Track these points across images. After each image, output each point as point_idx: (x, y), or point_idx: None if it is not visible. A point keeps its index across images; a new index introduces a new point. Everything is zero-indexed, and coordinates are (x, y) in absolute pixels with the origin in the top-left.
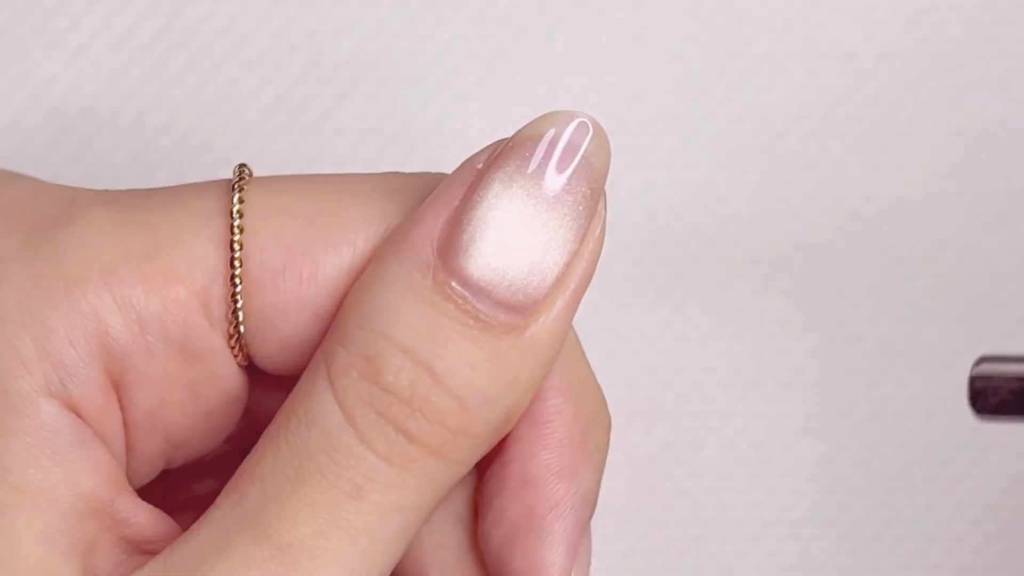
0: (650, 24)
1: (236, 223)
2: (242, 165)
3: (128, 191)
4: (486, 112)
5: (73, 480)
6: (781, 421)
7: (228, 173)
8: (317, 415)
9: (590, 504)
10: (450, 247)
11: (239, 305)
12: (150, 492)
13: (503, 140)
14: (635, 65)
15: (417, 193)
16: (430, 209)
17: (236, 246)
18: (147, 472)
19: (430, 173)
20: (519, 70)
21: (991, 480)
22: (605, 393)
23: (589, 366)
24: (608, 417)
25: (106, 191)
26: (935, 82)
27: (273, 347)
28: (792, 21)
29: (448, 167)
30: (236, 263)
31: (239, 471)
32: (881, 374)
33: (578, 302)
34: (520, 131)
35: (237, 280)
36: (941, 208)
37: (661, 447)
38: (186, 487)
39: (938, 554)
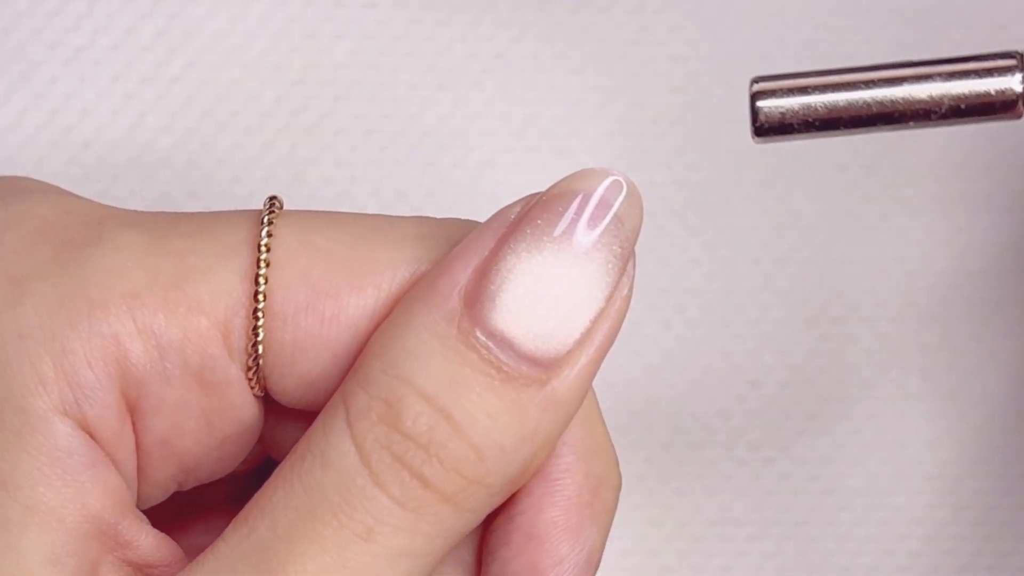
0: (650, 25)
1: (263, 257)
2: (272, 197)
3: (158, 214)
4: (485, 113)
5: (82, 501)
6: (781, 421)
7: (229, 173)
8: (333, 456)
9: (593, 564)
10: (477, 297)
11: (260, 339)
12: (158, 508)
13: (537, 194)
14: (634, 66)
15: (447, 239)
16: (459, 258)
17: (261, 280)
18: (158, 495)
19: (460, 219)
20: (518, 72)
21: (991, 481)
22: (605, 393)
23: (605, 426)
24: (619, 478)
25: (136, 212)
26: None
27: (290, 382)
28: (792, 22)
29: (447, 168)
30: (260, 297)
31: (249, 505)
32: (881, 374)
33: (601, 360)
34: (554, 186)
35: (260, 314)
36: (941, 208)
37: (661, 447)
38: (195, 507)
39: (937, 554)
